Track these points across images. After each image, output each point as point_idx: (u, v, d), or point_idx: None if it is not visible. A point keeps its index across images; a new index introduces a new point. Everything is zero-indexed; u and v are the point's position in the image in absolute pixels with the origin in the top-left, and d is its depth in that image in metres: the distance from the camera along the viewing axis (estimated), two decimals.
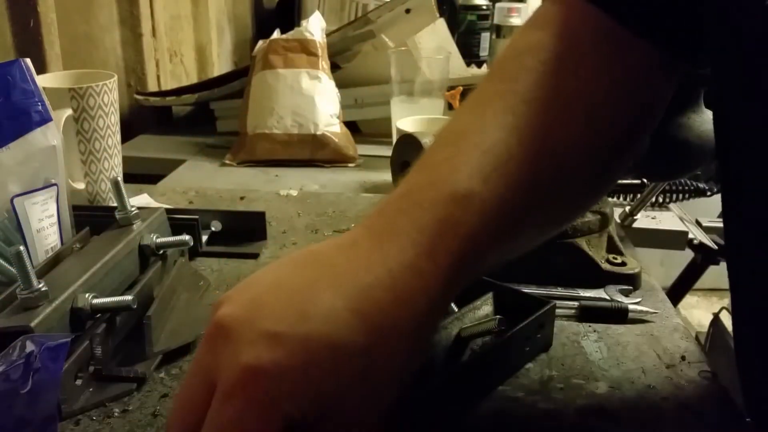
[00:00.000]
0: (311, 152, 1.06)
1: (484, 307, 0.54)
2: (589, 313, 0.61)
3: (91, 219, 0.65)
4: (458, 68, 1.23)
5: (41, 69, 0.97)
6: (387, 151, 0.94)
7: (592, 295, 0.63)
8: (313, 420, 0.32)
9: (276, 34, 1.15)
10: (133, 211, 0.61)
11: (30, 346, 0.41)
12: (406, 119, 0.98)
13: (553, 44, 0.44)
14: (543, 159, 0.41)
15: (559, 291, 0.63)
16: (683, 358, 0.55)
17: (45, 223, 0.61)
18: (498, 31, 1.64)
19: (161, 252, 0.61)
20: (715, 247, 1.25)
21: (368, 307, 0.34)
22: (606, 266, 0.66)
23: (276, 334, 0.32)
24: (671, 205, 1.10)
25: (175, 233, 0.65)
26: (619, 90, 0.45)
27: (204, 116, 1.26)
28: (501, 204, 0.38)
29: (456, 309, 0.53)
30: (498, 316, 0.51)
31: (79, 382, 0.48)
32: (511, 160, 0.39)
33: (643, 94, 0.46)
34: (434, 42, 1.22)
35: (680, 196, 1.06)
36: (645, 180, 0.71)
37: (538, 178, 0.40)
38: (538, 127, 0.41)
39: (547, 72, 0.43)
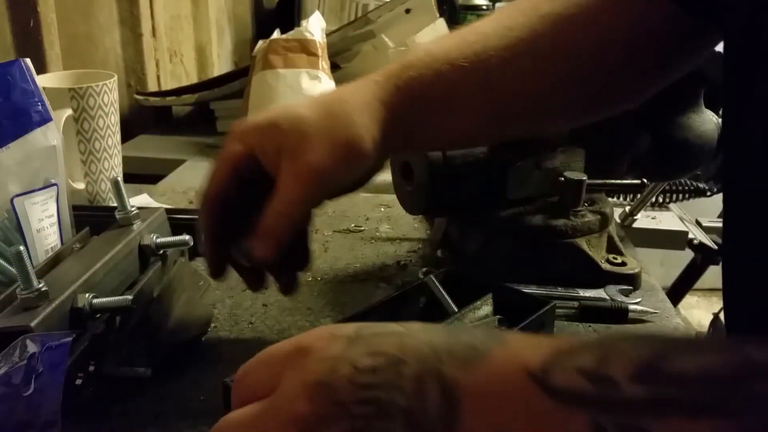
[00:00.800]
0: None
1: (484, 307, 0.54)
2: (590, 313, 0.61)
3: (91, 219, 0.65)
4: None
5: (41, 69, 0.97)
6: None
7: (592, 295, 0.63)
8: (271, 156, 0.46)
9: (276, 34, 1.15)
10: (133, 211, 0.61)
11: (30, 346, 0.41)
12: None
13: None
14: (505, 58, 0.50)
15: (559, 291, 0.63)
16: None
17: (45, 223, 0.61)
18: None
19: (161, 252, 0.61)
20: (715, 247, 1.25)
21: (325, 95, 0.50)
22: (606, 266, 0.66)
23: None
24: (671, 205, 1.09)
25: (175, 233, 0.65)
26: (618, 18, 0.50)
27: (204, 116, 1.26)
28: (445, 63, 0.49)
29: (456, 309, 0.53)
30: (498, 316, 0.51)
31: (79, 381, 0.48)
32: (477, 44, 0.50)
33: (636, 26, 0.51)
34: None
35: (680, 196, 1.06)
36: (645, 180, 0.71)
37: (487, 67, 0.50)
38: (515, 31, 0.50)
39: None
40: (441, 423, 0.29)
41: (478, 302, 0.53)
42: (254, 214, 0.47)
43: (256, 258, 0.47)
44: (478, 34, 0.51)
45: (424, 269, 0.65)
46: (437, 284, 0.56)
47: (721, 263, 0.45)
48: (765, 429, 0.23)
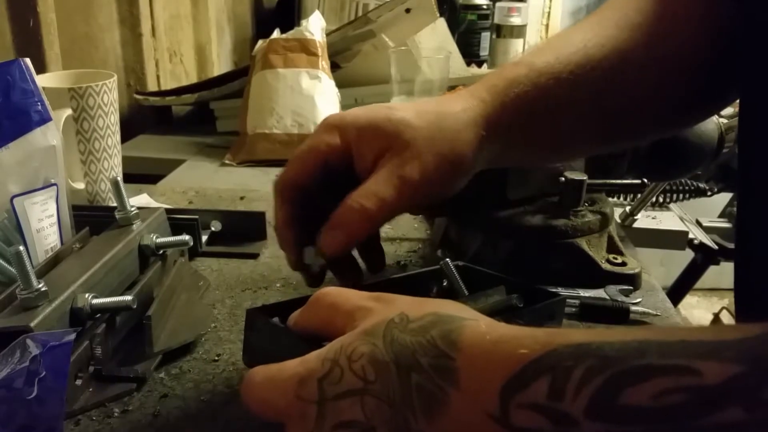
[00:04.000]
0: None
1: (496, 296, 0.54)
2: (591, 312, 0.61)
3: (90, 219, 0.65)
4: (458, 68, 1.24)
5: (41, 69, 0.97)
6: None
7: (592, 295, 0.63)
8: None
9: (276, 34, 1.15)
10: (132, 211, 0.61)
11: (31, 347, 0.41)
12: None
13: None
14: (605, 72, 0.49)
15: (560, 291, 0.63)
16: None
17: (45, 223, 0.61)
18: (498, 30, 1.64)
19: (161, 252, 0.61)
20: (716, 247, 1.25)
21: (431, 104, 0.47)
22: (606, 266, 0.66)
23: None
24: (671, 205, 1.10)
25: (174, 233, 0.65)
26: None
27: (204, 116, 1.26)
28: (550, 78, 0.48)
29: (467, 293, 0.54)
30: (515, 295, 0.51)
31: (79, 382, 0.48)
32: (578, 56, 0.49)
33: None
34: (434, 41, 1.22)
35: (680, 196, 1.06)
36: (645, 180, 0.71)
37: (592, 80, 0.49)
38: (611, 41, 0.50)
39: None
40: None
41: (490, 291, 0.53)
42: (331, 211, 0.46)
43: (322, 250, 0.45)
44: (575, 45, 0.50)
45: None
46: (452, 268, 0.56)
47: (733, 263, 0.45)
48: None
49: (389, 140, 0.44)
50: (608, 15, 0.52)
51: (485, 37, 1.64)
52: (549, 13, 2.43)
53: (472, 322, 0.32)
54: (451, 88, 1.09)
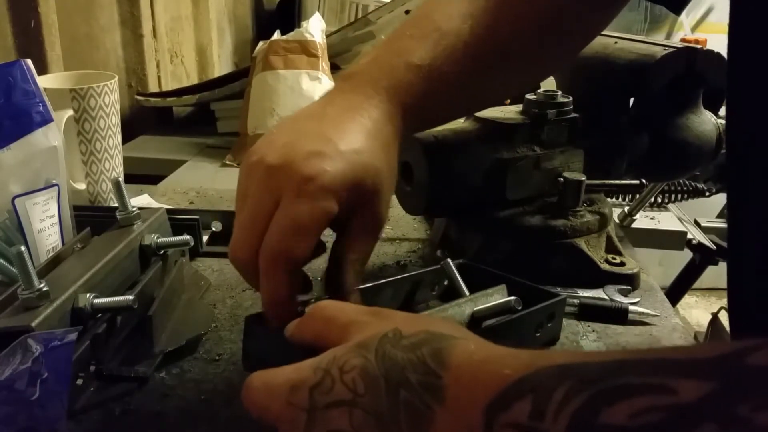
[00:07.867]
0: None
1: (496, 295, 0.54)
2: (590, 312, 0.61)
3: (92, 219, 0.65)
4: None
5: (42, 70, 0.97)
6: None
7: (591, 295, 0.63)
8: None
9: (276, 35, 1.15)
10: (133, 211, 0.62)
11: (33, 346, 0.41)
12: None
13: None
14: (487, 45, 0.53)
15: (559, 291, 0.63)
16: None
17: (46, 224, 0.61)
18: None
19: (162, 252, 0.62)
20: (714, 247, 1.26)
21: (367, 138, 0.47)
22: (605, 266, 0.66)
23: (318, 152, 0.43)
24: (670, 206, 1.10)
25: (175, 233, 0.65)
26: None
27: (204, 117, 1.27)
28: (441, 75, 0.51)
29: (468, 293, 0.54)
30: (514, 297, 0.51)
31: (80, 381, 0.48)
32: (460, 44, 0.52)
33: None
34: None
35: (679, 196, 1.06)
36: (644, 180, 0.71)
37: (481, 59, 0.53)
38: (488, 18, 0.53)
39: None
40: None
41: (490, 290, 0.54)
42: None
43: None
44: (460, 36, 0.52)
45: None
46: (453, 268, 0.56)
47: (726, 264, 0.45)
48: None
49: (368, 195, 0.45)
50: None
51: None
52: None
53: (462, 341, 0.32)
54: None
